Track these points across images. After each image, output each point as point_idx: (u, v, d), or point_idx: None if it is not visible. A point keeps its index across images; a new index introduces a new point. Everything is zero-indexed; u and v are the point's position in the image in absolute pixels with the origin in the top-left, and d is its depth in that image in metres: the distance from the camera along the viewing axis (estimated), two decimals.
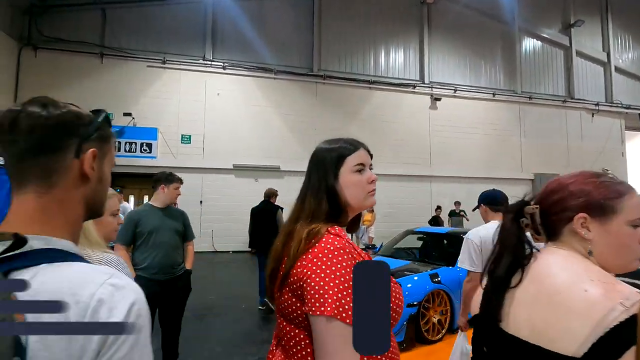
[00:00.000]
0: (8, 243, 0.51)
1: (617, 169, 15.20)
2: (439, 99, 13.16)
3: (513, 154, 13.92)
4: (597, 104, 15.03)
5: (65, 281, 0.51)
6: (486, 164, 13.49)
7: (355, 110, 12.42)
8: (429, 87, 13.20)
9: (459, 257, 2.45)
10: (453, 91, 13.40)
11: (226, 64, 11.38)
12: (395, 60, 13.26)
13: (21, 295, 0.48)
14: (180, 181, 3.03)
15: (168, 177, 2.93)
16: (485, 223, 2.52)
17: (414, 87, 13.05)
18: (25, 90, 9.87)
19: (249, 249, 10.70)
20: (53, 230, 0.58)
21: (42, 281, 0.50)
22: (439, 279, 4.05)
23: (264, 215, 5.34)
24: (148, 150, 10.47)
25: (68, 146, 0.59)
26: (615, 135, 15.37)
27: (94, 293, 0.51)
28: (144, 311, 0.55)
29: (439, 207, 10.73)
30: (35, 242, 0.54)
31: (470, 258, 2.35)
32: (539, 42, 15.02)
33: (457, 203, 10.53)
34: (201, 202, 10.72)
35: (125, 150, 10.28)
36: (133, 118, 10.43)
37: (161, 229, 2.82)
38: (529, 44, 14.90)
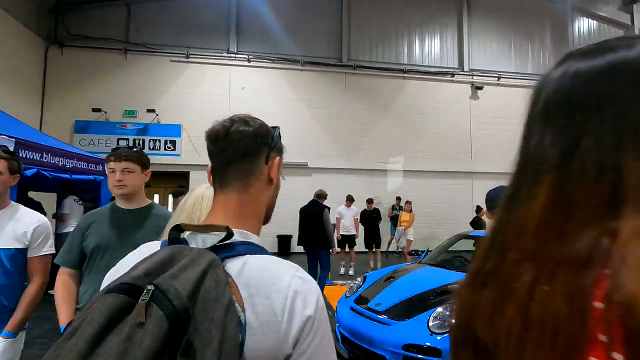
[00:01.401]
0: (220, 234, 0.61)
1: None
2: (481, 88, 12.00)
3: None
4: None
5: (266, 272, 0.60)
6: None
7: (388, 102, 11.54)
8: (469, 74, 12.07)
9: None
10: (496, 79, 12.18)
11: (251, 57, 10.86)
12: (431, 47, 12.22)
13: (238, 281, 0.57)
14: (125, 158, 1.75)
15: (111, 154, 1.79)
16: None
17: (453, 75, 11.97)
18: (52, 87, 9.81)
19: (276, 251, 10.18)
20: (246, 225, 0.69)
21: (251, 270, 0.59)
22: None
23: (310, 215, 5.71)
24: (172, 148, 10.14)
25: (262, 153, 0.72)
26: None
27: (289, 284, 0.59)
28: (324, 304, 0.62)
29: (480, 208, 9.64)
30: (238, 236, 0.64)
31: None
32: (595, 22, 13.41)
33: None
34: None
35: (150, 148, 9.99)
36: (157, 115, 10.14)
37: (117, 245, 1.72)
38: (584, 24, 13.34)
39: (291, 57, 11.05)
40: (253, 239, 0.68)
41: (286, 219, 10.48)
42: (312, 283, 0.62)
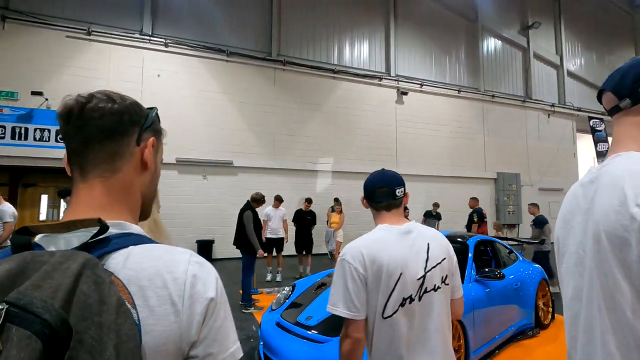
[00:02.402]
0: (91, 228, 0.53)
1: (569, 169, 15.65)
2: (406, 93, 12.49)
3: (477, 153, 13.66)
4: (552, 105, 15.35)
5: (158, 261, 0.55)
6: (452, 163, 13.06)
7: (318, 102, 11.32)
8: (395, 80, 12.48)
9: (331, 291, 1.30)
10: (419, 86, 12.80)
11: (169, 41, 9.71)
12: (361, 50, 12.38)
13: (122, 277, 0.51)
14: None
15: None
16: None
17: (380, 79, 12.25)
18: None
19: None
20: (119, 214, 0.60)
21: (138, 262, 0.53)
22: None
23: (239, 216, 5.65)
24: None
25: (132, 133, 0.63)
26: (568, 136, 15.81)
27: (186, 270, 0.55)
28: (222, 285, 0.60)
29: (406, 208, 9.93)
30: (114, 228, 0.56)
31: (347, 295, 1.24)
32: (500, 42, 15.01)
33: (436, 204, 9.85)
34: None
35: (35, 139, 8.25)
36: (46, 99, 8.42)
37: None
38: (491, 43, 14.82)
39: (216, 46, 10.17)
40: (133, 229, 0.59)
41: (208, 222, 9.57)
42: (210, 266, 0.59)
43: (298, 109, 11.01)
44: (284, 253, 7.47)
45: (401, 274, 1.25)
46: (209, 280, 0.56)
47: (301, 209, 7.88)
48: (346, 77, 11.76)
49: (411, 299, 1.25)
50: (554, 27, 16.30)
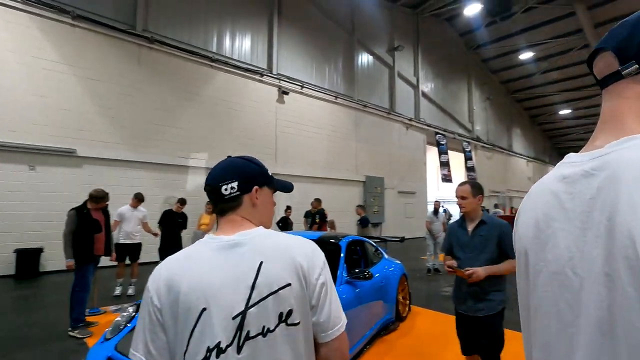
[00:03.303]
0: None
1: (421, 176, 18.35)
2: (287, 93, 12.45)
3: (350, 157, 14.65)
4: (410, 119, 17.70)
5: None
6: (328, 165, 13.64)
7: (193, 90, 10.23)
8: (276, 78, 12.31)
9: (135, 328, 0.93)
10: (300, 87, 12.96)
11: None
12: (242, 42, 11.78)
13: None
14: None
15: None
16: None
17: (262, 75, 11.90)
18: None
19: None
20: None
21: None
22: None
23: None
24: None
25: None
26: (420, 147, 18.50)
27: None
28: None
29: (289, 207, 9.81)
30: None
31: (144, 336, 0.88)
32: (372, 57, 16.51)
33: (313, 204, 9.92)
34: None
35: None
36: None
37: None
38: (364, 57, 16.15)
39: (56, 4, 8.10)
40: None
41: (36, 225, 7.53)
42: None
43: (168, 95, 9.73)
44: (142, 260, 6.35)
45: (204, 309, 0.84)
46: None
47: (171, 210, 6.76)
48: (225, 67, 11.00)
49: (220, 350, 0.83)
50: (413, 53, 18.87)
